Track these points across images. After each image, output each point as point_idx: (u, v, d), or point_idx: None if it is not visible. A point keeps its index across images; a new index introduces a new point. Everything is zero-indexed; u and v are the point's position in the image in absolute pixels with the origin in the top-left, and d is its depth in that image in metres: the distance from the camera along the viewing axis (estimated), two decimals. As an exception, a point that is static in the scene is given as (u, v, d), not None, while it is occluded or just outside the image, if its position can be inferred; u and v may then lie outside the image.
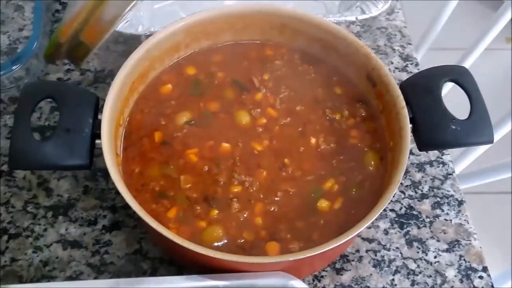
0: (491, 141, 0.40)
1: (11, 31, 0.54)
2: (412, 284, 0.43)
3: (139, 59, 0.42)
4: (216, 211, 0.39)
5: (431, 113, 0.40)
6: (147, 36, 0.45)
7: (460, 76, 0.41)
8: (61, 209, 0.45)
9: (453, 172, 0.49)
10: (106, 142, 0.37)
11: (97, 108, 0.40)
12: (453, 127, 0.39)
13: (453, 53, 1.00)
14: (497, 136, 0.72)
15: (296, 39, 0.47)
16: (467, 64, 0.87)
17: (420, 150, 0.41)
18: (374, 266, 0.43)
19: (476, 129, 0.39)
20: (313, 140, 0.43)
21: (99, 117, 0.39)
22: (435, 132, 0.40)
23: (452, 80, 0.41)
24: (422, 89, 0.41)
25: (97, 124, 0.38)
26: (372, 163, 0.41)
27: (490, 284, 0.43)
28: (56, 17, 0.56)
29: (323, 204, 0.40)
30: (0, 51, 0.53)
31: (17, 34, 0.54)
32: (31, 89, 0.38)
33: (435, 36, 0.93)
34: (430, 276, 0.43)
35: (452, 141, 0.40)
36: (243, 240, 0.38)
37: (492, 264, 0.46)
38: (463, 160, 0.73)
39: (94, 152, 0.38)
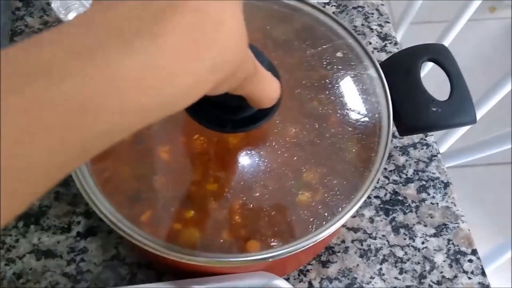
0: (473, 121, 0.38)
1: (-31, 33, 0.51)
2: (401, 273, 0.41)
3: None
4: (192, 212, 0.37)
5: (410, 96, 0.39)
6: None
7: (439, 55, 0.39)
8: (32, 217, 0.43)
9: (437, 153, 0.47)
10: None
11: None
12: (434, 109, 0.38)
13: (436, 26, 0.98)
14: (481, 113, 0.70)
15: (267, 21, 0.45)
16: (450, 37, 0.86)
17: (401, 135, 0.40)
18: (361, 256, 0.42)
19: (457, 110, 0.38)
20: (290, 130, 0.41)
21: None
22: (415, 115, 0.38)
23: (430, 60, 0.39)
24: (400, 70, 0.40)
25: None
26: (353, 150, 0.40)
27: (480, 267, 0.42)
28: (17, 15, 0.53)
29: (303, 197, 0.38)
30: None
31: (-24, 35, 0.51)
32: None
33: (416, 10, 0.92)
34: (419, 263, 0.42)
35: (433, 124, 0.38)
36: (221, 241, 0.36)
37: (481, 240, 0.45)
38: (447, 140, 0.72)
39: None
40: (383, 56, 0.53)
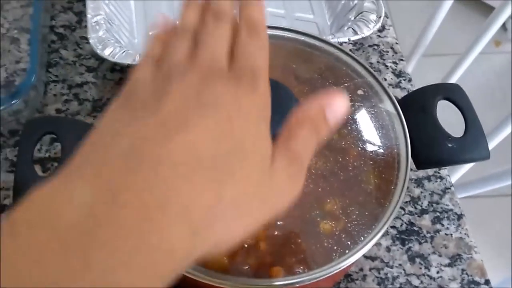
0: (487, 157, 0.40)
1: (8, 64, 0.55)
2: (417, 301, 0.43)
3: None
4: (220, 238, 0.39)
5: (426, 132, 0.41)
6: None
7: (453, 94, 0.42)
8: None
9: (451, 186, 0.49)
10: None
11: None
12: (449, 145, 0.40)
13: (445, 59, 1.01)
14: (491, 145, 0.73)
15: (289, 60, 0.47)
16: (460, 71, 0.89)
17: (418, 168, 0.42)
18: (378, 284, 0.44)
19: (471, 146, 0.40)
20: (314, 162, 0.43)
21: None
22: (431, 150, 0.41)
23: (445, 98, 0.42)
24: (416, 108, 0.42)
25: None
26: (373, 182, 0.42)
27: (493, 297, 0.44)
28: (52, 48, 0.57)
29: (327, 225, 0.40)
30: (-3, 84, 0.53)
31: (14, 66, 0.54)
32: (32, 125, 0.39)
33: (426, 44, 0.95)
34: (434, 291, 0.43)
35: (449, 159, 0.40)
36: (247, 267, 0.38)
37: (491, 269, 0.46)
38: (458, 170, 0.74)
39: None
40: (398, 92, 0.55)
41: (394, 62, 0.58)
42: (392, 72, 0.57)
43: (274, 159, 0.24)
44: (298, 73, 0.47)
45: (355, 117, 0.44)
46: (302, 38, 0.46)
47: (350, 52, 0.45)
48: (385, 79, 0.56)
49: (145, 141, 0.20)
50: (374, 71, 0.56)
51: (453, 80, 0.92)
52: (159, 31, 0.27)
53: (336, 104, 0.25)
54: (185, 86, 0.22)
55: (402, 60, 0.58)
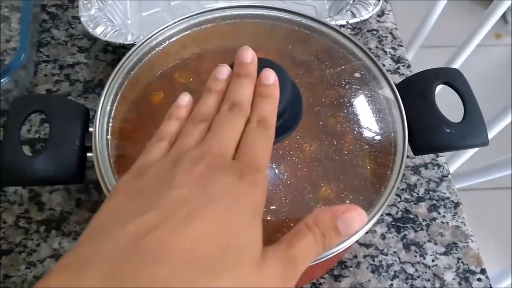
0: (486, 143, 0.39)
1: (-3, 43, 0.53)
2: (411, 289, 0.42)
3: (129, 68, 0.42)
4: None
5: (424, 117, 0.40)
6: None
7: (453, 78, 0.41)
8: (53, 223, 0.44)
9: (448, 173, 0.48)
10: (97, 156, 0.36)
11: (87, 121, 0.39)
12: (447, 130, 0.39)
13: (443, 50, 1.00)
14: (490, 135, 0.72)
15: (287, 42, 0.46)
16: (459, 62, 0.88)
17: (415, 154, 0.41)
18: (372, 271, 0.43)
19: (470, 131, 0.39)
20: (307, 144, 0.42)
21: (90, 129, 0.39)
22: (430, 136, 0.40)
23: (444, 83, 0.41)
24: (415, 92, 0.41)
25: (88, 137, 0.38)
26: (368, 167, 0.41)
27: (489, 286, 0.43)
28: (43, 27, 0.55)
29: (320, 210, 0.39)
30: (-13, 63, 0.52)
31: (4, 45, 0.53)
32: (19, 103, 0.37)
33: (425, 34, 0.94)
34: (429, 280, 0.43)
35: (447, 144, 0.39)
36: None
37: (489, 261, 0.46)
38: (457, 160, 0.73)
39: (86, 164, 0.38)
40: (396, 78, 0.54)
41: (393, 48, 0.57)
42: (391, 58, 0.56)
43: (270, 260, 0.24)
44: (295, 55, 0.46)
45: (351, 101, 0.43)
46: (299, 19, 0.45)
47: (348, 34, 0.43)
48: (384, 65, 0.55)
49: (148, 236, 0.21)
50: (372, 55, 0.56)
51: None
52: (178, 111, 0.30)
53: (352, 218, 0.25)
54: (191, 175, 0.24)
55: (401, 46, 0.57)
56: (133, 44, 0.48)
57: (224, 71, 0.32)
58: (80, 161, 0.37)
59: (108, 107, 0.40)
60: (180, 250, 0.21)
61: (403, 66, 0.55)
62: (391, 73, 0.55)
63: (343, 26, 0.53)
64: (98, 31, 0.47)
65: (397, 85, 0.42)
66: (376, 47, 0.57)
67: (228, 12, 0.45)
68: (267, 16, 0.46)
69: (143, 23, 0.56)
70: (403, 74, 0.55)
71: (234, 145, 0.27)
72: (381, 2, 0.51)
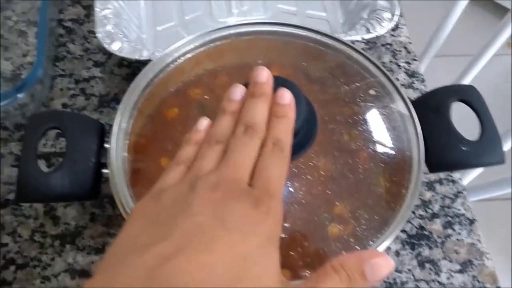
0: (502, 162, 0.39)
1: (14, 57, 0.54)
2: (426, 308, 0.42)
3: (144, 84, 0.42)
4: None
5: (440, 135, 0.40)
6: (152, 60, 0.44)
7: (469, 96, 0.41)
8: (68, 237, 0.44)
9: (463, 190, 0.48)
10: (113, 173, 0.36)
11: (103, 136, 0.40)
12: (463, 148, 0.39)
13: (456, 60, 0.99)
14: (504, 147, 0.71)
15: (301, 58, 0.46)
16: (472, 73, 0.87)
17: (431, 171, 0.41)
18: (387, 289, 0.43)
19: (486, 150, 0.39)
20: (321, 162, 0.42)
21: (105, 145, 0.39)
22: (445, 154, 0.39)
23: (460, 100, 0.41)
24: (430, 109, 0.41)
25: (103, 153, 0.38)
26: (383, 185, 0.41)
27: (505, 305, 0.42)
28: (59, 41, 0.56)
29: (335, 229, 0.39)
30: (4, 77, 0.52)
31: (21, 60, 0.54)
32: (36, 120, 0.38)
33: (439, 46, 0.93)
34: (444, 298, 0.42)
35: (463, 163, 0.39)
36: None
37: (502, 273, 0.45)
38: (470, 173, 0.73)
39: (101, 179, 0.38)
40: (411, 93, 0.54)
41: (407, 62, 0.57)
42: (405, 72, 0.56)
43: None
44: (309, 71, 0.46)
45: (366, 118, 0.43)
46: (313, 35, 0.45)
47: (362, 51, 0.43)
48: (398, 79, 0.55)
49: (165, 265, 0.21)
50: (387, 70, 0.55)
51: (465, 81, 0.90)
52: (197, 136, 0.30)
53: (379, 264, 0.25)
54: (207, 203, 0.24)
55: (415, 60, 0.57)
56: (149, 60, 0.48)
57: (238, 91, 0.32)
58: (95, 177, 0.37)
59: (124, 123, 0.40)
60: (196, 280, 0.21)
61: (417, 80, 0.55)
62: (405, 88, 0.55)
63: (357, 40, 0.53)
64: (113, 47, 0.47)
65: (412, 102, 0.42)
66: (390, 61, 0.56)
67: (242, 29, 0.46)
68: (281, 32, 0.46)
69: (157, 37, 0.56)
70: (417, 88, 0.54)
71: (249, 169, 0.27)
72: (396, 17, 0.51)
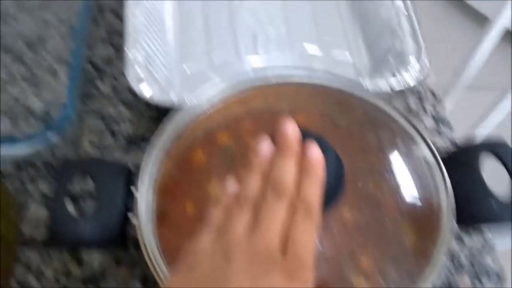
0: (533, 220, 0.38)
1: (45, 95, 0.55)
2: None
3: (172, 129, 0.43)
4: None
5: (469, 188, 0.39)
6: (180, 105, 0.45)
7: (499, 150, 0.40)
8: (93, 280, 0.44)
9: (491, 242, 0.47)
10: (140, 222, 0.37)
11: (131, 181, 0.40)
12: (493, 203, 0.38)
13: (482, 93, 0.98)
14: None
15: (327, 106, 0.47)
16: (504, 108, 0.86)
17: (458, 224, 0.40)
18: None
19: (517, 207, 0.38)
20: (346, 213, 0.42)
21: (131, 188, 0.40)
22: (474, 208, 0.39)
23: (491, 155, 0.40)
24: (460, 162, 0.41)
25: (130, 198, 0.39)
26: (410, 238, 0.40)
27: None
28: (89, 80, 0.57)
29: (359, 282, 0.38)
30: (34, 115, 0.54)
31: (51, 98, 0.55)
32: (69, 166, 0.39)
33: (467, 80, 0.93)
34: None
35: (492, 218, 0.39)
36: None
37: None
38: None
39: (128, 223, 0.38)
40: (437, 139, 0.54)
41: (433, 106, 0.56)
42: (432, 117, 0.55)
43: None
44: (335, 118, 0.46)
45: (392, 167, 0.43)
46: (340, 85, 0.45)
47: (388, 102, 0.43)
48: (424, 124, 0.55)
49: None
50: (412, 115, 0.55)
51: (493, 117, 0.89)
52: (226, 197, 0.30)
53: None
54: (244, 276, 0.25)
55: (441, 104, 0.56)
56: (177, 105, 0.49)
57: (265, 146, 0.32)
58: (123, 224, 0.38)
59: (151, 167, 0.40)
60: None
61: (444, 126, 0.55)
62: (431, 133, 0.54)
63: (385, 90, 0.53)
64: (143, 91, 0.48)
65: (441, 155, 0.41)
66: (416, 106, 0.56)
67: (270, 76, 0.46)
68: (309, 79, 0.46)
69: (185, 79, 0.57)
70: (444, 134, 0.54)
71: (280, 234, 0.27)
72: (423, 64, 0.51)
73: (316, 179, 0.30)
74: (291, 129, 0.32)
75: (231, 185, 0.32)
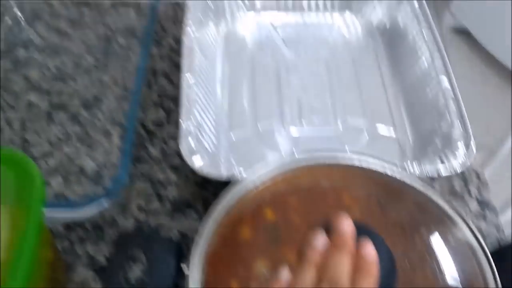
0: None
1: (98, 156, 0.57)
2: None
3: (223, 207, 0.44)
4: None
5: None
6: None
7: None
8: None
9: None
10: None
11: (180, 257, 0.41)
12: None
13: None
14: None
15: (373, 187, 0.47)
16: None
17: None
18: None
19: None
20: None
21: (182, 266, 0.40)
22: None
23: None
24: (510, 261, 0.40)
25: (180, 274, 0.40)
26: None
27: None
28: (140, 142, 0.59)
29: None
30: (85, 175, 0.56)
31: (104, 159, 0.57)
32: (124, 242, 0.40)
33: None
34: None
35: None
36: None
37: None
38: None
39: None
40: (483, 225, 0.53)
41: (478, 189, 0.56)
42: (476, 200, 0.55)
43: None
44: (381, 201, 0.46)
45: (439, 261, 0.43)
46: (387, 170, 0.46)
47: (440, 194, 0.44)
48: (470, 210, 0.54)
49: None
50: (458, 200, 0.55)
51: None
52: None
53: None
54: None
55: (487, 187, 0.56)
56: (225, 177, 0.50)
57: (321, 241, 0.33)
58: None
59: (201, 248, 0.41)
60: None
61: (489, 211, 0.54)
62: (476, 217, 0.54)
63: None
64: (195, 161, 0.50)
65: (491, 250, 0.41)
66: (461, 188, 0.56)
67: (319, 157, 0.47)
68: (355, 163, 0.47)
69: (232, 144, 0.58)
70: (490, 220, 0.54)
71: None
72: (473, 151, 0.51)
73: (370, 279, 0.31)
74: (346, 225, 0.33)
75: (285, 275, 0.32)
